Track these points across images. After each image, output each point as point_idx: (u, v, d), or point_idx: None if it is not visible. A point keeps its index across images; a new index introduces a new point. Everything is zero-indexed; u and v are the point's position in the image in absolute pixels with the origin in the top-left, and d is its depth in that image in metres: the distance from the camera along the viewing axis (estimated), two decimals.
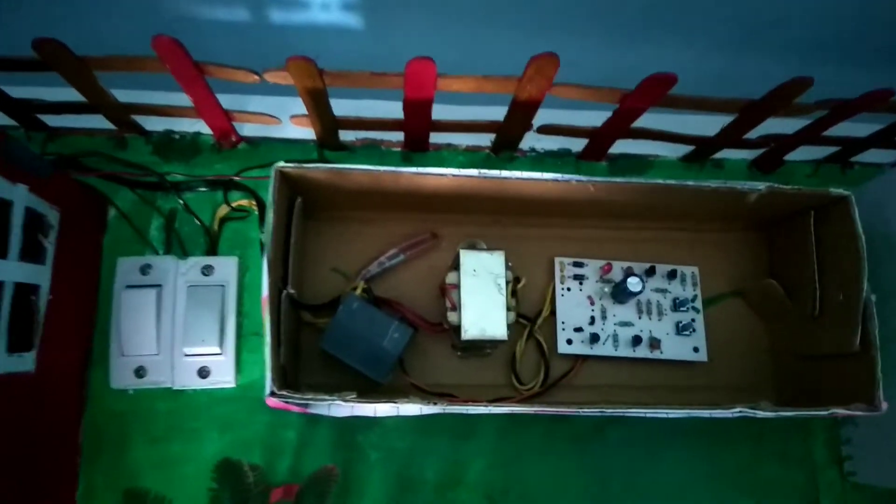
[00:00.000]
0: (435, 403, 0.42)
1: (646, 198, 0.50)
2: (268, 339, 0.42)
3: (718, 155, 0.59)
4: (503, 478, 0.53)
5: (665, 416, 0.43)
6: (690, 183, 0.47)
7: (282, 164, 0.45)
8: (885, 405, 0.44)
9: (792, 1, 0.54)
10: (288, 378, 0.48)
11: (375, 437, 0.53)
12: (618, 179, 0.47)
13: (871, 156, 0.59)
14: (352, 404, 0.42)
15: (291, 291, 0.47)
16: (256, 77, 0.46)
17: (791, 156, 0.60)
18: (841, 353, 0.47)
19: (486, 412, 0.43)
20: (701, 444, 0.55)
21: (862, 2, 0.56)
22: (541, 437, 0.54)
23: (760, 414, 0.44)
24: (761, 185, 0.48)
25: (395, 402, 0.42)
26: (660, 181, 0.47)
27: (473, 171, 0.46)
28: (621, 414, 0.43)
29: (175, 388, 0.52)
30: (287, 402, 0.42)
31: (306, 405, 0.42)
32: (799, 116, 0.50)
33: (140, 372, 0.52)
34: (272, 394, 0.41)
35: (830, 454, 0.56)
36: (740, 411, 0.43)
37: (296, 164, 0.45)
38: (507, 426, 0.54)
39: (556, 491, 0.53)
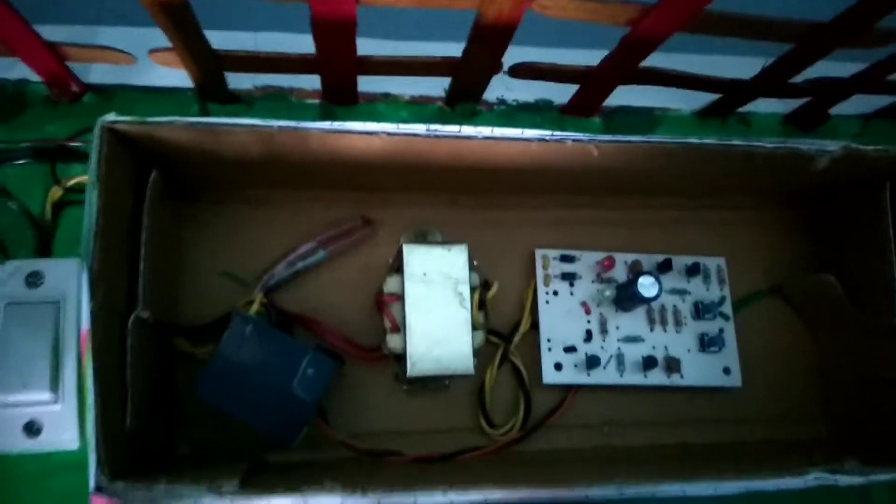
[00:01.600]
0: (364, 492, 0.27)
1: (666, 164, 0.35)
2: (90, 398, 0.26)
3: (744, 108, 0.45)
4: None
5: (710, 493, 0.29)
6: (738, 143, 0.32)
7: (111, 117, 0.28)
8: None
9: None
10: (151, 441, 0.32)
11: None
12: (635, 139, 0.31)
13: None
14: (231, 499, 0.26)
15: (144, 315, 0.30)
16: None
17: (833, 109, 0.46)
18: None
19: (441, 499, 0.27)
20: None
21: None
22: None
23: (845, 481, 0.30)
24: (833, 146, 0.33)
25: (301, 494, 0.27)
26: (694, 140, 0.32)
27: (419, 128, 0.30)
28: (650, 494, 0.28)
29: None
30: (117, 501, 0.26)
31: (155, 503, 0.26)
32: (875, 48, 0.36)
33: None
34: (97, 489, 0.26)
35: None
36: (816, 477, 0.29)
37: (136, 119, 0.28)
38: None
39: None
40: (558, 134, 0.31)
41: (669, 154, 0.33)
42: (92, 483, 0.26)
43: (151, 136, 0.29)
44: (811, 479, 0.30)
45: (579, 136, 0.31)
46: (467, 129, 0.31)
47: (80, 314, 0.35)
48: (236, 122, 0.29)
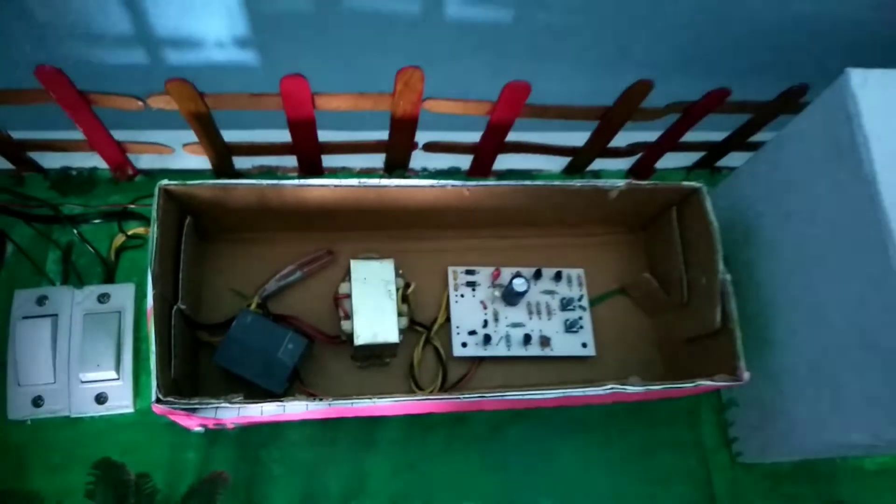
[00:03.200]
0: (320, 399, 0.44)
1: (521, 200, 0.53)
2: (153, 347, 0.43)
3: (595, 166, 0.64)
4: (406, 483, 0.54)
5: (543, 397, 0.46)
6: (556, 183, 0.51)
7: (165, 181, 0.47)
8: (746, 375, 0.48)
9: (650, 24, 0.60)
10: (184, 394, 0.49)
11: (278, 452, 0.53)
12: (489, 183, 0.50)
13: (734, 159, 0.64)
14: (238, 406, 0.43)
15: (182, 307, 0.48)
16: (140, 103, 0.48)
17: (663, 164, 0.65)
18: (707, 332, 0.51)
19: (371, 405, 0.44)
20: (596, 436, 0.57)
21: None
22: (442, 439, 0.55)
23: (630, 389, 0.46)
24: (620, 182, 0.52)
25: (280, 402, 0.44)
26: (527, 182, 0.51)
27: (353, 181, 0.49)
28: (500, 397, 0.45)
29: (73, 415, 0.52)
30: (173, 409, 0.43)
31: (193, 410, 0.43)
32: (654, 120, 0.55)
33: (37, 401, 0.52)
34: (157, 400, 0.42)
35: (719, 438, 0.58)
36: (611, 388, 0.46)
37: (179, 182, 0.47)
38: (409, 432, 0.55)
39: (459, 492, 0.54)
40: (441, 182, 0.50)
41: (523, 192, 0.52)
42: (153, 398, 0.43)
43: (188, 193, 0.48)
44: (608, 388, 0.46)
45: (455, 182, 0.50)
46: (384, 181, 0.49)
47: (137, 319, 0.53)
48: (239, 182, 0.48)
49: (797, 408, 0.50)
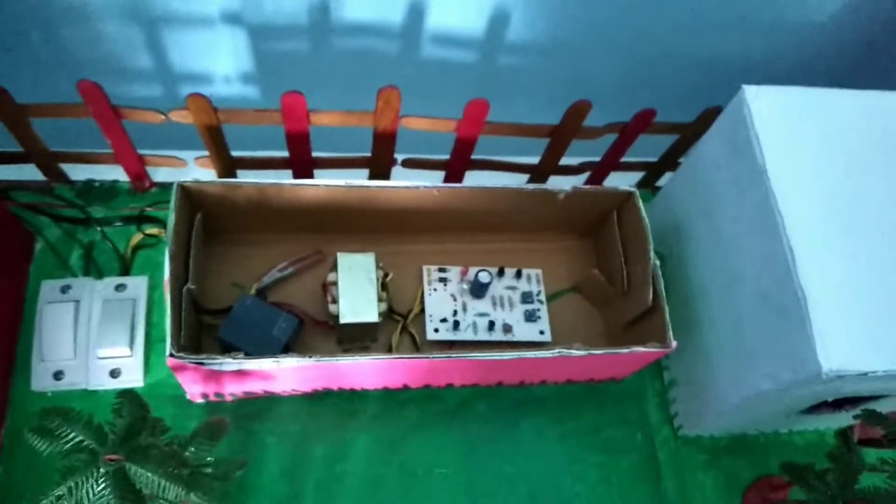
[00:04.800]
0: (310, 356, 0.51)
1: (484, 202, 0.62)
2: (168, 310, 0.51)
3: (550, 184, 0.73)
4: (384, 451, 0.61)
5: (500, 357, 0.53)
6: (513, 186, 0.61)
7: (182, 179, 0.56)
8: (674, 343, 0.56)
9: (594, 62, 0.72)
10: None
11: (270, 423, 0.60)
12: (455, 185, 0.60)
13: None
14: (240, 361, 0.51)
15: (192, 287, 0.56)
16: (163, 116, 0.58)
17: (608, 183, 0.75)
18: (643, 312, 0.59)
19: (353, 362, 0.52)
20: (554, 413, 0.64)
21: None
22: (415, 413, 0.62)
23: (574, 353, 0.54)
24: (567, 187, 0.61)
25: (276, 358, 0.51)
26: (487, 185, 0.60)
27: (340, 182, 0.58)
28: (466, 357, 0.53)
29: (90, 388, 0.59)
30: (184, 362, 0.50)
31: (202, 363, 0.50)
32: (596, 138, 0.65)
33: (58, 375, 0.58)
34: (171, 355, 0.50)
35: (662, 415, 0.66)
36: (559, 351, 0.54)
37: (194, 180, 0.56)
38: (386, 407, 0.62)
39: (431, 459, 0.61)
40: (415, 183, 0.59)
41: (483, 193, 0.61)
42: (167, 353, 0.50)
43: (200, 190, 0.57)
44: (555, 352, 0.54)
45: (427, 183, 0.59)
46: (368, 182, 0.59)
47: (149, 307, 0.61)
48: (244, 182, 0.57)
49: (719, 374, 0.58)
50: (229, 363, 0.51)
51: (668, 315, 0.57)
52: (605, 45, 0.72)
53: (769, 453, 0.66)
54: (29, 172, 0.65)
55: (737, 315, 0.56)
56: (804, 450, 0.66)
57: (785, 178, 0.51)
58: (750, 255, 0.54)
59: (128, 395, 0.43)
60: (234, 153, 0.65)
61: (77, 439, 0.39)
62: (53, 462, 0.40)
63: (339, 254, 0.61)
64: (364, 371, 0.56)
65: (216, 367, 0.51)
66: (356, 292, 0.60)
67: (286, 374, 0.55)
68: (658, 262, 0.59)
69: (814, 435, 0.67)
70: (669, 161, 0.72)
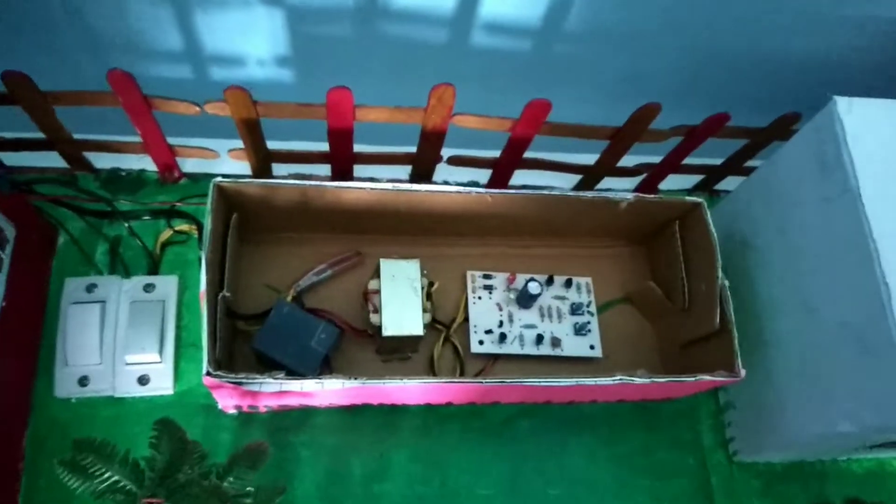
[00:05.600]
0: (355, 378, 0.48)
1: (538, 209, 0.58)
2: (205, 325, 0.48)
3: (603, 185, 0.69)
4: (424, 468, 0.58)
5: (558, 384, 0.50)
6: (572, 193, 0.56)
7: (219, 178, 0.52)
8: (743, 372, 0.52)
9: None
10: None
11: (306, 436, 0.57)
12: (510, 191, 0.55)
13: (731, 184, 0.70)
14: (280, 381, 0.47)
15: (227, 294, 0.52)
16: (197, 108, 0.53)
17: (665, 185, 0.70)
18: (707, 334, 0.55)
19: (401, 384, 0.48)
20: (602, 432, 0.61)
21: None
22: (458, 430, 0.59)
23: (637, 380, 0.51)
24: (630, 195, 0.57)
25: (319, 380, 0.48)
26: (545, 192, 0.56)
27: (388, 185, 0.54)
28: (518, 383, 0.49)
29: (116, 395, 0.56)
30: (221, 381, 0.46)
31: (240, 383, 0.47)
32: (659, 142, 0.60)
33: (83, 381, 0.55)
34: (208, 374, 0.46)
35: (717, 438, 0.63)
36: (620, 378, 0.51)
37: (232, 180, 0.52)
38: (427, 422, 0.59)
39: (472, 478, 0.58)
40: (467, 188, 0.55)
41: (540, 200, 0.57)
42: (204, 371, 0.46)
43: (238, 190, 0.53)
44: (617, 378, 0.51)
45: (479, 189, 0.55)
46: (416, 185, 0.54)
47: (179, 309, 0.57)
48: (285, 182, 0.53)
49: (788, 403, 0.54)
50: (270, 383, 0.47)
51: (737, 342, 0.53)
52: (672, 34, 0.66)
53: (826, 481, 0.62)
54: (51, 159, 0.61)
55: (812, 344, 0.52)
56: (863, 479, 0.63)
57: (881, 203, 0.46)
58: (833, 283, 0.49)
59: (166, 426, 0.39)
60: (270, 144, 0.60)
61: (113, 479, 0.36)
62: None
63: (381, 260, 0.57)
64: (408, 390, 0.52)
65: (255, 389, 0.47)
66: (400, 302, 0.56)
67: (326, 391, 0.51)
68: (727, 283, 0.54)
69: (873, 463, 0.64)
70: (732, 166, 0.67)
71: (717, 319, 0.54)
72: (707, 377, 0.52)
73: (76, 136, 0.58)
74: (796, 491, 0.62)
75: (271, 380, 0.47)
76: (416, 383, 0.49)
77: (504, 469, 0.59)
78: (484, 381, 0.50)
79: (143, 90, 0.53)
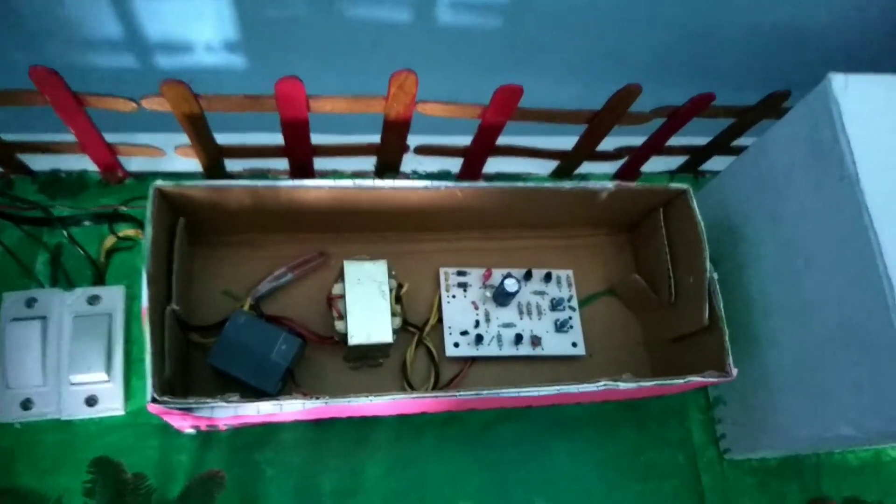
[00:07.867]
0: (317, 398, 0.44)
1: (512, 202, 0.54)
2: (148, 346, 0.43)
3: (583, 170, 0.65)
4: (400, 483, 0.54)
5: (538, 394, 0.46)
6: (548, 185, 0.52)
7: (160, 182, 0.47)
8: (735, 371, 0.49)
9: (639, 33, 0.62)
10: (177, 395, 0.48)
11: (271, 453, 0.53)
12: (481, 185, 0.51)
13: (717, 164, 0.66)
14: (235, 405, 0.43)
15: (176, 308, 0.48)
16: (134, 105, 0.48)
17: (647, 168, 0.66)
18: (695, 330, 0.52)
19: (367, 402, 0.44)
20: (588, 434, 0.58)
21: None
22: (434, 439, 0.56)
23: (623, 386, 0.47)
24: (610, 184, 0.53)
25: (277, 401, 0.44)
26: (519, 184, 0.52)
27: (348, 182, 0.49)
28: (495, 395, 0.46)
29: (63, 418, 0.51)
30: (169, 408, 0.42)
31: (189, 409, 0.43)
32: (641, 125, 0.56)
33: (26, 404, 0.51)
34: (153, 400, 0.42)
35: (707, 435, 0.59)
36: (604, 384, 0.47)
37: (174, 183, 0.47)
38: (401, 432, 0.55)
39: (453, 490, 0.54)
40: (435, 182, 0.50)
41: (514, 193, 0.52)
42: (148, 398, 0.42)
43: (182, 194, 0.48)
44: (601, 385, 0.47)
45: (448, 183, 0.50)
46: (380, 182, 0.50)
47: (128, 321, 0.53)
48: (235, 183, 0.48)
49: (784, 403, 0.51)
50: (222, 407, 0.43)
51: (727, 339, 0.49)
52: (651, 4, 0.61)
53: (821, 474, 0.59)
54: None
55: (809, 342, 0.48)
56: (859, 470, 0.60)
57: (881, 191, 0.43)
58: (830, 276, 0.46)
59: (101, 467, 0.35)
60: (221, 138, 0.55)
61: None
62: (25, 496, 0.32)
63: (345, 262, 0.53)
64: (377, 405, 0.48)
65: (206, 414, 0.43)
66: (366, 308, 0.52)
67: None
68: (716, 276, 0.51)
69: (869, 454, 0.61)
70: (719, 146, 0.63)
71: (707, 315, 0.51)
72: (697, 378, 0.48)
73: (9, 137, 0.53)
74: (792, 487, 0.59)
75: (224, 403, 0.43)
76: (385, 401, 0.45)
77: (486, 478, 0.55)
78: (457, 394, 0.46)
79: (82, 84, 0.48)
